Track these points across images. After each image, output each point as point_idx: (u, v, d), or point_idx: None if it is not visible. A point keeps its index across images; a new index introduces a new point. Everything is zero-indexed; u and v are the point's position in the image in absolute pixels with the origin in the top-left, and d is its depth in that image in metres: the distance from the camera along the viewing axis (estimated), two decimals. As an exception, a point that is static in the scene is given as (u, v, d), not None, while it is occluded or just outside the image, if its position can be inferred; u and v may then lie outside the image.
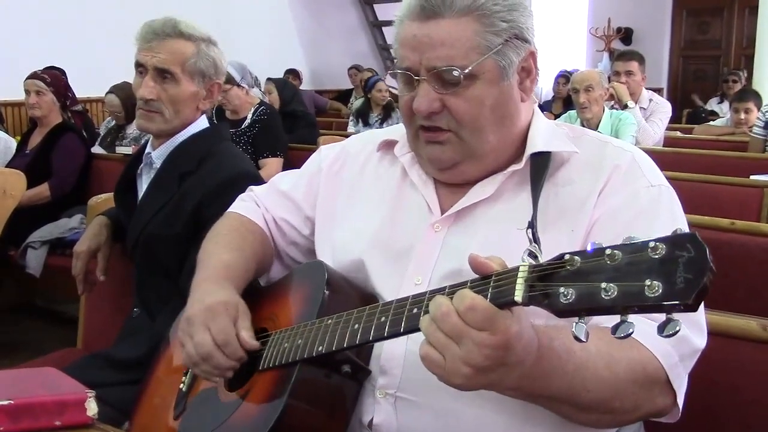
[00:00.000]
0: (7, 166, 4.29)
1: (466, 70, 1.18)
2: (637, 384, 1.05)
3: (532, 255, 0.89)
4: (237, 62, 4.61)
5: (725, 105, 7.40)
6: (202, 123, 2.08)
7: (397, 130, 1.43)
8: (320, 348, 1.12)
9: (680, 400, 1.12)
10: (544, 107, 8.00)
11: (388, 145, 1.42)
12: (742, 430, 1.39)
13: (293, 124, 5.39)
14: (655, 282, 0.75)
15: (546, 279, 0.84)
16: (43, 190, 4.23)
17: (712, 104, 8.29)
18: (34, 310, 4.61)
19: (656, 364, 1.07)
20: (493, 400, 1.11)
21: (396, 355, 1.21)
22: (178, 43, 1.97)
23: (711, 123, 6.23)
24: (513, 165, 1.27)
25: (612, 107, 4.68)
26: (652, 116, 4.91)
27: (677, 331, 0.75)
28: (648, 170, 1.25)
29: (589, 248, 0.82)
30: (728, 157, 4.29)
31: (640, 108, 4.88)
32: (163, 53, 1.95)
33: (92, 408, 1.17)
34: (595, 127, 4.25)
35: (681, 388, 1.11)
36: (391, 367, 1.21)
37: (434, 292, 0.98)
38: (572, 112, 4.54)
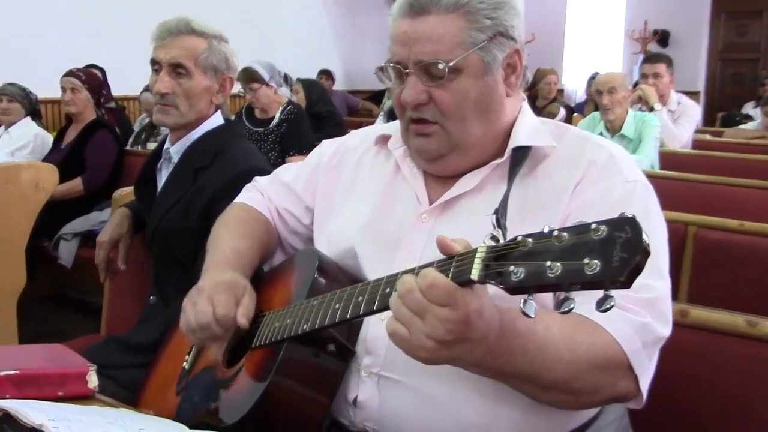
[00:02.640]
0: (43, 161, 4.43)
1: (451, 64, 1.24)
2: (598, 367, 1.09)
3: (494, 239, 0.94)
4: (266, 62, 4.69)
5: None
6: (217, 120, 2.17)
7: (392, 126, 1.49)
8: (305, 326, 1.19)
9: (643, 387, 1.15)
10: (577, 109, 7.97)
11: (384, 140, 1.48)
12: (727, 422, 1.42)
13: (319, 124, 5.45)
14: (594, 261, 0.80)
15: (501, 259, 0.89)
16: (77, 184, 4.36)
17: (748, 108, 8.16)
18: (66, 300, 4.70)
19: (617, 348, 1.11)
20: (470, 381, 1.16)
21: (381, 336, 1.26)
22: (190, 40, 2.07)
23: (742, 126, 6.15)
24: (497, 159, 1.32)
25: (639, 109, 4.65)
26: (680, 119, 4.87)
27: (612, 306, 0.80)
28: (625, 166, 1.28)
29: (546, 230, 0.87)
30: (755, 160, 4.25)
31: (668, 111, 4.84)
32: (176, 49, 2.05)
33: (93, 380, 1.23)
34: (619, 129, 4.23)
35: (644, 374, 1.14)
36: (375, 347, 1.27)
37: (406, 273, 1.03)
38: (596, 114, 4.51)
